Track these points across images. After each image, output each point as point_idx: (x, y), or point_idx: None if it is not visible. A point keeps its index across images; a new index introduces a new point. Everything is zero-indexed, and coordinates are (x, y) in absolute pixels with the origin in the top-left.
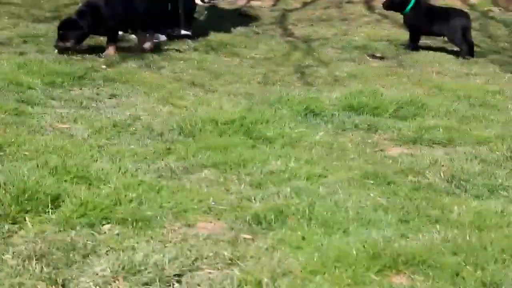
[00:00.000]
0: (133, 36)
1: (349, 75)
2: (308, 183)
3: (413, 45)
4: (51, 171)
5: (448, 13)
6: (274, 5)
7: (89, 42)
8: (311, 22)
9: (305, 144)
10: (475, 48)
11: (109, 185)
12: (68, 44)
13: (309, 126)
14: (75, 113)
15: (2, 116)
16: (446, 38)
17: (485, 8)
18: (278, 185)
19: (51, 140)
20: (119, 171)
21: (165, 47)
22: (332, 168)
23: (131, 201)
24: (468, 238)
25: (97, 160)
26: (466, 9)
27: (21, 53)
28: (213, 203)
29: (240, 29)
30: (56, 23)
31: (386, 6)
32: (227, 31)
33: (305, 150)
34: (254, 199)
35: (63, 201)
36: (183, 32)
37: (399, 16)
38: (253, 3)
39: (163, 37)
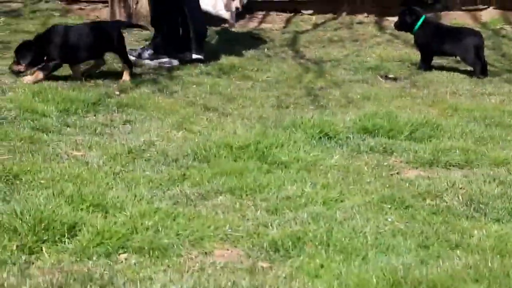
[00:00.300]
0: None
1: (363, 96)
2: (324, 208)
3: (425, 65)
4: (67, 199)
5: (460, 32)
6: (285, 27)
7: (103, 67)
8: (323, 44)
9: (320, 168)
10: (489, 67)
11: (125, 213)
12: (21, 68)
13: (323, 150)
14: (90, 140)
15: (18, 144)
16: (458, 58)
17: (498, 26)
18: (294, 211)
19: (66, 168)
20: (134, 199)
21: (178, 72)
22: (348, 192)
23: (147, 229)
24: (490, 264)
25: (112, 188)
26: (477, 27)
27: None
28: (229, 230)
29: (251, 52)
30: None
31: (397, 26)
32: (239, 54)
33: (321, 174)
34: (271, 226)
35: (79, 230)
36: (194, 56)
37: (410, 36)
38: (264, 25)
39: (175, 62)
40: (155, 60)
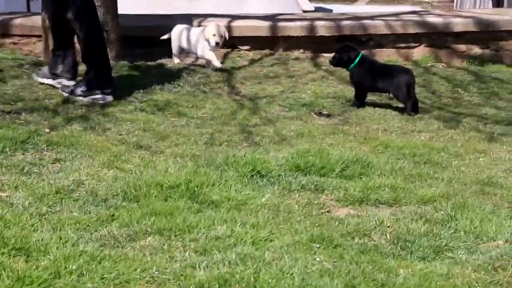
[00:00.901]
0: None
1: (296, 133)
2: (253, 248)
3: (359, 102)
4: None
5: (392, 70)
6: (222, 62)
7: (34, 104)
8: (259, 80)
9: (251, 207)
10: (420, 104)
11: (49, 257)
12: None
13: (255, 188)
14: (16, 180)
15: None
16: (391, 95)
17: (428, 64)
18: (223, 252)
19: None
20: (59, 241)
21: (111, 108)
22: (278, 232)
23: (71, 273)
24: None
25: (37, 230)
26: (409, 65)
27: None
28: (156, 272)
29: (187, 88)
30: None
31: (333, 63)
32: (175, 90)
33: (251, 214)
34: (199, 267)
35: None
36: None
37: (345, 73)
38: (200, 61)
39: (109, 98)
40: (88, 97)
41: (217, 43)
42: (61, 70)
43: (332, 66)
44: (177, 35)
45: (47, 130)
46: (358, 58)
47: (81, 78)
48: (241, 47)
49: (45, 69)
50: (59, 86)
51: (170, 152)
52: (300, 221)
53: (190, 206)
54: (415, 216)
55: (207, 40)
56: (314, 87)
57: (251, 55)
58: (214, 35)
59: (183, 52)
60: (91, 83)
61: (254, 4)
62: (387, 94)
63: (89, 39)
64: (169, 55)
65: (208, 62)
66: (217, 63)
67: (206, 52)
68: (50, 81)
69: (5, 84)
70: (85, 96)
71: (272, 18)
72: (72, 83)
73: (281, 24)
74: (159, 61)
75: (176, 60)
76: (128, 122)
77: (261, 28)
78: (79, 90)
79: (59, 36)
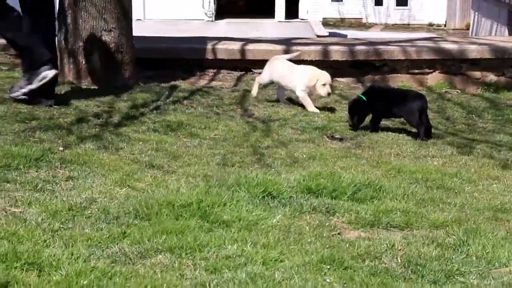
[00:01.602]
0: None
1: (308, 156)
2: (264, 268)
3: (373, 127)
4: (1, 257)
5: (405, 95)
6: (235, 85)
7: (48, 123)
8: (271, 103)
9: (262, 228)
10: (433, 130)
11: (61, 272)
12: None
13: (266, 209)
14: (30, 197)
15: None
16: (404, 120)
17: (443, 90)
18: (233, 271)
19: (3, 225)
20: (71, 257)
21: (124, 128)
22: (288, 252)
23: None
24: None
25: (49, 246)
26: (423, 91)
27: None
28: None
29: (200, 109)
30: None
31: (354, 123)
32: (188, 111)
33: (262, 234)
34: (209, 285)
35: None
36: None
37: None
38: (214, 83)
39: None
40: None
41: (328, 94)
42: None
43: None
44: (273, 67)
45: (61, 148)
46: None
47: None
48: (254, 70)
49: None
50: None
51: (182, 172)
52: (311, 242)
53: (201, 225)
54: (427, 240)
55: (312, 86)
56: (327, 111)
57: None
58: (325, 84)
59: (270, 84)
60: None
61: (268, 28)
62: (400, 119)
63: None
64: (182, 77)
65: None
66: (313, 108)
67: (305, 95)
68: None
69: (20, 103)
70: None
71: (286, 42)
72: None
73: (295, 48)
74: (172, 82)
75: (255, 91)
76: (141, 142)
77: (275, 51)
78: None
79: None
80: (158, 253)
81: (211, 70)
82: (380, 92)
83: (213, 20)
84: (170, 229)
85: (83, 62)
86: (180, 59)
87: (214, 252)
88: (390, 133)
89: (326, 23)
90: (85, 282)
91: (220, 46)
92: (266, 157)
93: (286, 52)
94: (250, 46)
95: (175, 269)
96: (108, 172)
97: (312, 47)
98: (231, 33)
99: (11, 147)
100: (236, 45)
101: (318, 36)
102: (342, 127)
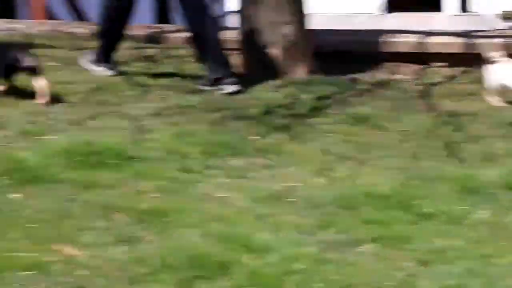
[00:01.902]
0: None
1: (505, 152)
2: (478, 263)
3: None
4: (220, 239)
5: None
6: (416, 79)
7: (238, 113)
8: (457, 97)
9: (467, 223)
10: None
11: (274, 256)
12: None
13: (469, 204)
14: (234, 183)
15: (164, 183)
16: None
17: None
18: (446, 264)
19: (213, 209)
20: (284, 242)
21: (311, 120)
22: (501, 249)
23: (297, 272)
24: None
25: (259, 230)
26: None
27: (174, 124)
28: (378, 279)
29: (384, 102)
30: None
31: None
32: (371, 104)
33: (469, 229)
34: (426, 277)
35: (231, 269)
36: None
37: None
38: (394, 77)
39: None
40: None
41: None
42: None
43: None
44: (501, 70)
45: (255, 137)
46: None
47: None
48: (434, 64)
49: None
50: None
51: (376, 164)
52: None
53: (404, 216)
54: None
55: None
56: None
57: (445, 72)
58: None
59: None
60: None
61: (438, 22)
62: None
63: None
64: (360, 70)
65: None
66: None
67: None
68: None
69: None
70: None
71: (467, 34)
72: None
73: (476, 41)
74: (350, 75)
75: (494, 100)
76: (330, 134)
77: (455, 44)
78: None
79: None
80: (365, 243)
81: (389, 63)
82: None
83: (385, 13)
84: (375, 220)
85: (264, 55)
86: (354, 52)
87: (422, 244)
88: None
89: (505, 16)
90: (301, 267)
91: (396, 39)
92: (458, 152)
93: (467, 45)
94: (428, 39)
95: (385, 259)
96: (303, 162)
97: (495, 40)
98: (400, 27)
99: (208, 136)
100: (414, 38)
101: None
102: None
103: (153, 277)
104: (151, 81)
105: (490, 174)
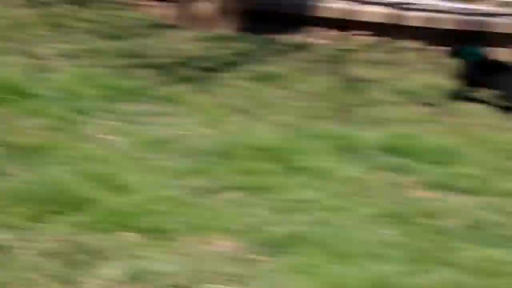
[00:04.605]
0: None
1: (395, 118)
2: (330, 214)
3: (465, 95)
4: (87, 177)
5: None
6: (335, 44)
7: (149, 62)
8: (366, 64)
9: (335, 178)
10: None
11: (138, 197)
12: None
13: (343, 161)
14: (122, 127)
15: (50, 122)
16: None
17: None
18: (300, 213)
19: (95, 149)
20: (151, 184)
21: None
22: (356, 204)
23: (157, 213)
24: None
25: (132, 172)
26: None
27: (81, 66)
28: (234, 224)
29: (291, 63)
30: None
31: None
32: (279, 64)
33: (335, 184)
34: (276, 224)
35: (94, 205)
36: None
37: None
38: (314, 40)
39: None
40: None
41: None
42: None
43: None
44: None
45: (158, 86)
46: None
47: None
48: (358, 32)
49: None
50: None
51: (268, 120)
52: (379, 196)
53: (276, 169)
54: (497, 207)
55: None
56: (422, 76)
57: (366, 40)
58: None
59: None
60: None
61: None
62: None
63: None
64: (284, 31)
65: None
66: None
67: None
68: None
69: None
70: None
71: (394, 5)
72: None
73: (403, 13)
74: (272, 35)
75: None
76: (233, 88)
77: (382, 14)
78: None
79: None
80: (232, 191)
81: (315, 28)
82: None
83: None
84: (246, 170)
85: (195, 8)
86: (283, 13)
87: (285, 195)
88: (480, 104)
89: None
90: (161, 208)
91: (326, 4)
92: (351, 115)
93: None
94: (357, 7)
95: (246, 206)
96: (199, 112)
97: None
98: None
99: (112, 80)
100: (342, 5)
101: None
102: (434, 93)
103: (7, 209)
104: (73, 23)
105: (371, 136)
